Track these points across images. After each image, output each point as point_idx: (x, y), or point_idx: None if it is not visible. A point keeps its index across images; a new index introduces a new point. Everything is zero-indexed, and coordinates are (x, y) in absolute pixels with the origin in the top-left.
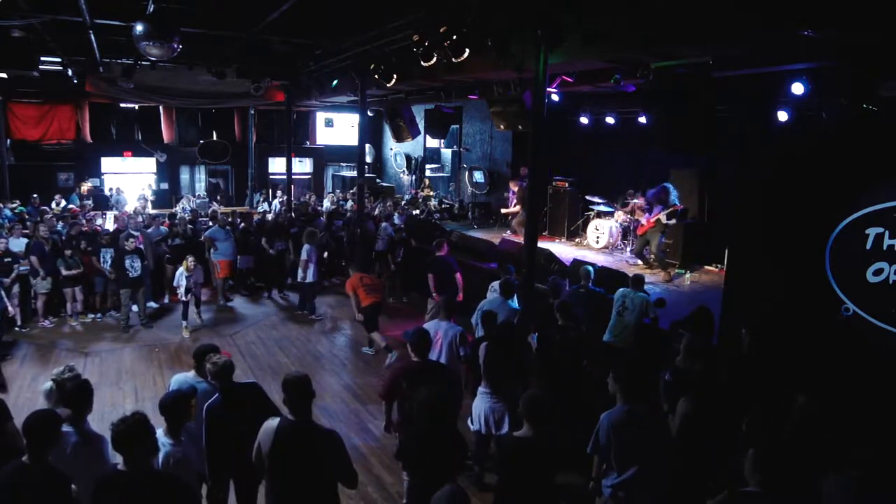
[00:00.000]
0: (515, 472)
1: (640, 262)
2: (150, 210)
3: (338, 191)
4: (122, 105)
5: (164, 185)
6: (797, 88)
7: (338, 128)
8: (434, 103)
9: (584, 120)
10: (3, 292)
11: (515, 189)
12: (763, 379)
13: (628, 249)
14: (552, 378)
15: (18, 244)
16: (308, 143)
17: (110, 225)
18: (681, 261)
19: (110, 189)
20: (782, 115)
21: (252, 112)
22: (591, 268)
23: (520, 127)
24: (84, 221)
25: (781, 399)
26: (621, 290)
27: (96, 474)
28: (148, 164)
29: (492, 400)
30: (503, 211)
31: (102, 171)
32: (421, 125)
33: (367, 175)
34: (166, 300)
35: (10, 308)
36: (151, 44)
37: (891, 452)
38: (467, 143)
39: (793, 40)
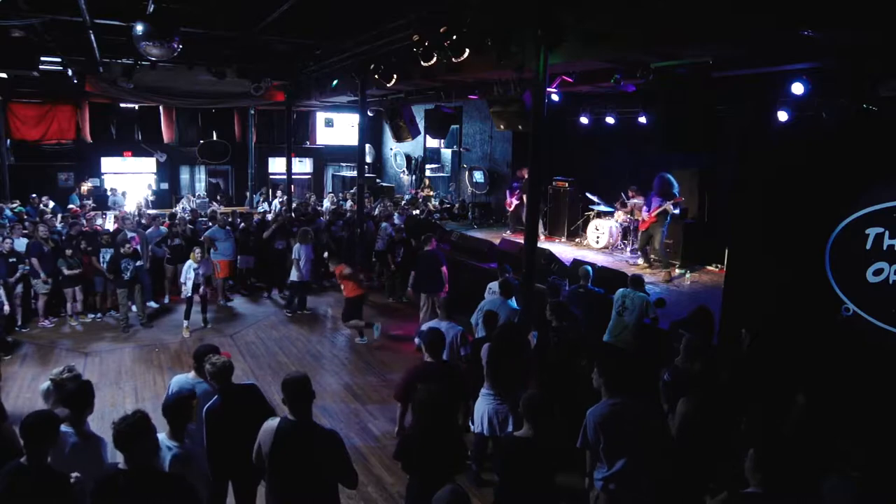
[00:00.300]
0: (515, 472)
1: (640, 261)
2: (150, 210)
3: (339, 192)
4: (122, 105)
5: (164, 185)
6: (797, 88)
7: (338, 128)
8: (434, 103)
9: (584, 120)
10: (2, 291)
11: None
12: (763, 379)
13: (628, 249)
14: (550, 378)
15: (19, 244)
16: (308, 143)
17: (110, 225)
18: (681, 261)
19: (108, 189)
20: (782, 115)
21: (252, 112)
22: (589, 268)
23: (520, 127)
24: (84, 221)
25: (781, 399)
26: (621, 290)
27: (94, 475)
28: (148, 164)
29: (495, 401)
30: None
31: (102, 171)
32: (421, 125)
33: (367, 175)
34: (166, 300)
35: (6, 306)
36: (151, 44)
37: (891, 452)
38: (467, 143)
39: (793, 40)
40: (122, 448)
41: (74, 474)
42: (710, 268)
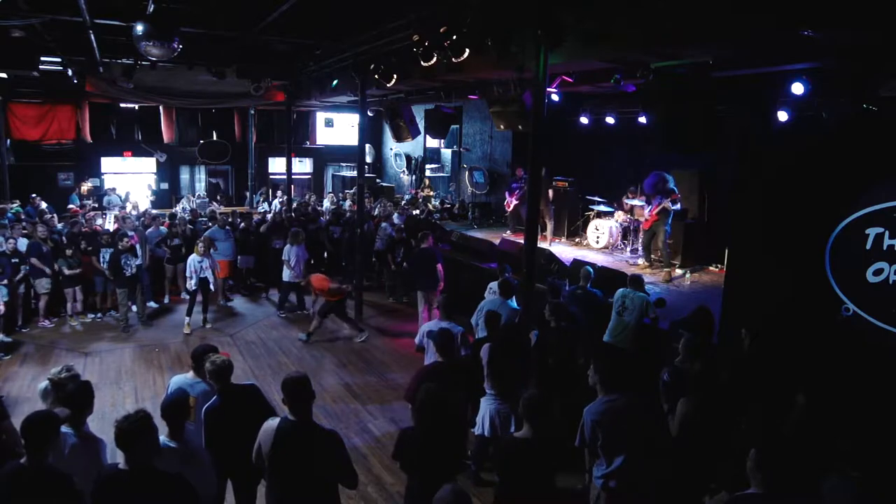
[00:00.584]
0: (515, 472)
1: (640, 260)
2: (153, 210)
3: (339, 192)
4: (122, 105)
5: (164, 185)
6: (797, 88)
7: (338, 128)
8: (434, 103)
9: (584, 120)
10: (5, 291)
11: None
12: (763, 379)
13: (628, 249)
14: (550, 378)
15: (20, 244)
16: (308, 143)
17: (110, 225)
18: (681, 261)
19: (104, 189)
20: (782, 115)
21: (252, 112)
22: (591, 269)
23: (520, 127)
24: (84, 221)
25: (781, 399)
26: (621, 290)
27: (93, 475)
28: (148, 164)
29: (497, 402)
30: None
31: (102, 171)
32: (421, 125)
33: (367, 175)
34: (166, 300)
35: (1, 307)
36: (151, 44)
37: (891, 452)
38: (467, 143)
39: (793, 40)
40: (123, 447)
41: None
42: (710, 268)
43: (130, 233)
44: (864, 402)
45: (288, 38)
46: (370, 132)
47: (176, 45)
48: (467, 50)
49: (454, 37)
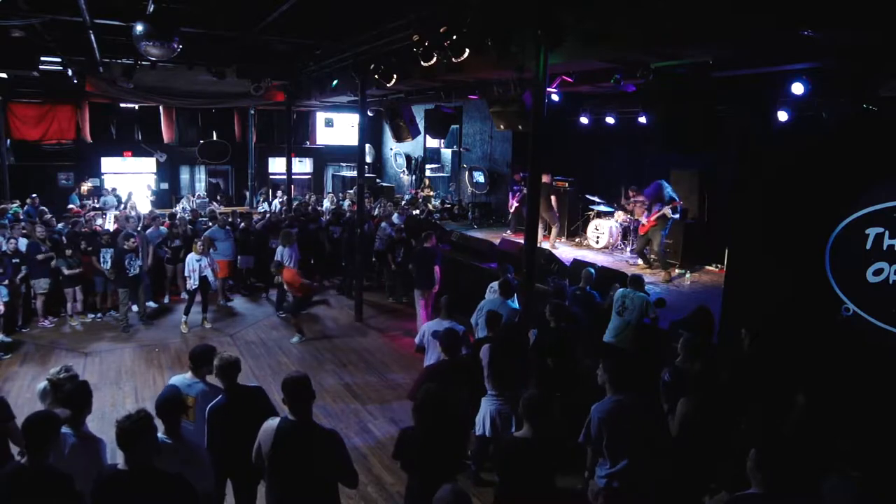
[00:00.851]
0: (515, 472)
1: (640, 261)
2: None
3: (339, 192)
4: (122, 105)
5: (164, 185)
6: (797, 88)
7: (338, 128)
8: (434, 103)
9: (584, 120)
10: (6, 290)
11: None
12: (763, 379)
13: (628, 249)
14: (550, 379)
15: (20, 244)
16: (308, 143)
17: (110, 225)
18: (681, 261)
19: (102, 189)
20: (782, 115)
21: (252, 112)
22: (592, 270)
23: (520, 127)
24: (84, 221)
25: (781, 399)
26: (621, 290)
27: (93, 475)
28: (148, 164)
29: (498, 402)
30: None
31: (102, 171)
32: (421, 125)
33: (367, 175)
34: (166, 300)
35: (1, 306)
36: (151, 44)
37: (891, 452)
38: (467, 143)
39: (793, 40)
40: (123, 446)
41: None
42: (710, 268)
43: (134, 233)
44: (864, 402)
45: (288, 38)
46: (370, 132)
47: (176, 45)
48: (467, 50)
49: (454, 37)
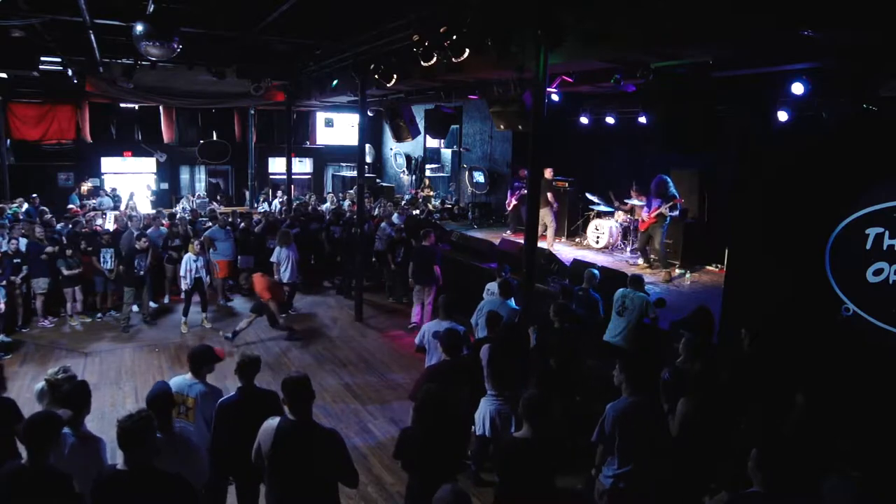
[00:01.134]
0: (515, 472)
1: (640, 261)
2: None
3: (339, 192)
4: (122, 105)
5: (164, 185)
6: (797, 88)
7: (338, 128)
8: (434, 103)
9: (584, 120)
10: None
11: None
12: (763, 379)
13: (628, 249)
14: (552, 379)
15: (21, 244)
16: (308, 143)
17: (110, 225)
18: (681, 261)
19: (109, 189)
20: (782, 115)
21: (252, 112)
22: (596, 272)
23: (520, 127)
24: (84, 221)
25: (781, 399)
26: (621, 290)
27: (93, 475)
28: (148, 164)
29: (497, 402)
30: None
31: (102, 171)
32: (421, 125)
33: (367, 175)
34: (166, 300)
35: (1, 305)
36: (151, 44)
37: (891, 452)
38: (467, 143)
39: (793, 40)
40: (124, 446)
41: None
42: (710, 268)
43: (145, 233)
44: (864, 402)
45: (288, 38)
46: (370, 132)
47: (176, 45)
48: (467, 50)
49: (454, 37)
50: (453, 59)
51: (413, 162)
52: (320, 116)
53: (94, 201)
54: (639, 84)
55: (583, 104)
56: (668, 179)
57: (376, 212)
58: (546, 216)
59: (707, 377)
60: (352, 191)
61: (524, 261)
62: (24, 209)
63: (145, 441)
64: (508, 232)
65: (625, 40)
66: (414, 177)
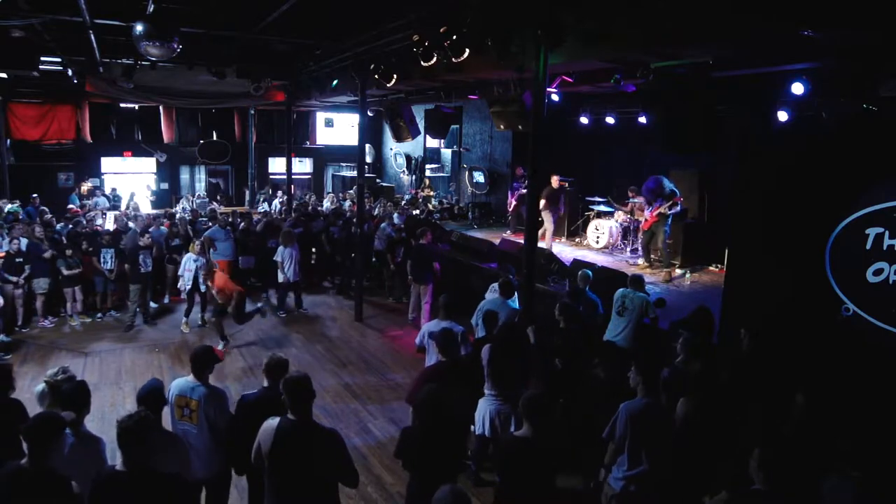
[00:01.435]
0: (515, 472)
1: (640, 260)
2: (168, 210)
3: (339, 192)
4: (122, 105)
5: (164, 185)
6: (797, 88)
7: (338, 128)
8: (434, 103)
9: (584, 120)
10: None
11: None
12: (763, 379)
13: (628, 249)
14: (553, 379)
15: (22, 244)
16: (308, 143)
17: (110, 225)
18: (681, 261)
19: (109, 189)
20: (782, 115)
21: (252, 112)
22: (590, 272)
23: (520, 127)
24: (84, 221)
25: (781, 399)
26: (621, 290)
27: (93, 475)
28: (148, 164)
29: (497, 402)
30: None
31: (102, 171)
32: (421, 125)
33: (367, 175)
34: (166, 300)
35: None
36: (151, 44)
37: (891, 452)
38: (467, 143)
39: (793, 40)
40: (123, 446)
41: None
42: (710, 268)
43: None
44: (864, 402)
45: (288, 38)
46: (370, 132)
47: (176, 45)
48: (467, 50)
49: (454, 37)
50: (453, 59)
51: (413, 162)
52: (320, 116)
53: (90, 201)
54: (639, 84)
55: (583, 104)
56: (663, 178)
57: (376, 212)
58: (546, 217)
59: (707, 377)
60: (352, 191)
61: (524, 261)
62: (7, 208)
63: (145, 441)
64: (508, 232)
65: (625, 40)
66: (414, 177)
